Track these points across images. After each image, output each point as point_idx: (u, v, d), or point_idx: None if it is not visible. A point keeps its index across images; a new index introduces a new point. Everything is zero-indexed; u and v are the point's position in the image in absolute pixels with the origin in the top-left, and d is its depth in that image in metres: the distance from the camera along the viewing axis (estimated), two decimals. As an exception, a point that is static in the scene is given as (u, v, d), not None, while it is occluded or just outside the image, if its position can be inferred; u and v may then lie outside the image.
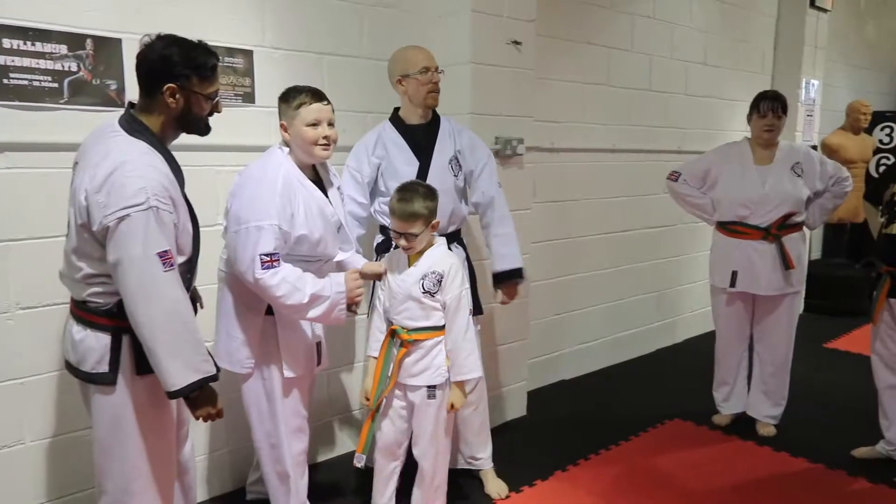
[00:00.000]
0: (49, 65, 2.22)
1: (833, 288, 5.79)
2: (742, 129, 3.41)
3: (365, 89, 3.03)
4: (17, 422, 2.28)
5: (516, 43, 3.27)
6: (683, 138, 4.77)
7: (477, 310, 2.74)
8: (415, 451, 2.43)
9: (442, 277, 2.29)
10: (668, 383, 4.17)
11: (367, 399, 2.37)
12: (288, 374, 2.25)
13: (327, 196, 2.28)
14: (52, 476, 2.38)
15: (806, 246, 3.43)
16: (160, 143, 1.82)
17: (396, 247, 2.41)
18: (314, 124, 2.18)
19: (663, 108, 4.61)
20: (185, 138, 2.43)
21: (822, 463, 3.09)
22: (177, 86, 1.78)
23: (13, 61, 2.15)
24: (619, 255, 4.48)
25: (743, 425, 3.48)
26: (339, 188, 2.41)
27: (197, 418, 1.86)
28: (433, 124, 2.71)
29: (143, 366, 1.81)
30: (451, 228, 2.70)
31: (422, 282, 2.29)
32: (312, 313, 2.13)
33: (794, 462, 3.12)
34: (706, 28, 4.85)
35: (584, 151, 4.13)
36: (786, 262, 3.22)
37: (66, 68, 2.25)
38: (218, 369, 1.88)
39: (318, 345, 2.34)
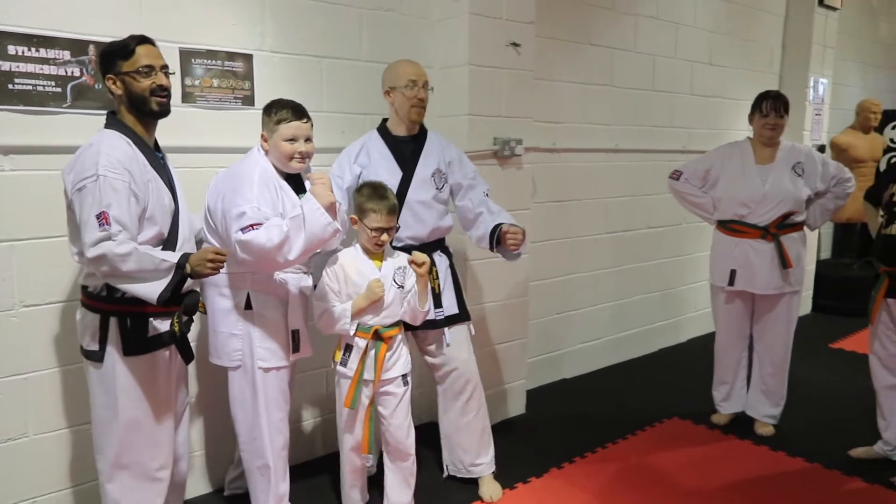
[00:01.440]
0: (53, 70, 2.29)
1: (842, 288, 5.75)
2: (749, 129, 3.42)
3: (363, 92, 3.08)
4: (21, 416, 2.36)
5: (515, 45, 3.30)
6: (689, 138, 4.76)
7: (465, 316, 2.77)
8: (390, 436, 2.52)
9: (405, 269, 2.45)
10: (670, 383, 4.18)
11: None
12: (261, 363, 2.33)
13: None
14: (55, 468, 2.46)
15: (806, 246, 3.43)
16: (133, 132, 2.02)
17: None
18: (292, 140, 2.29)
19: (668, 108, 4.61)
20: (184, 141, 2.53)
21: (819, 462, 3.10)
22: (112, 74, 1.99)
23: (18, 67, 2.22)
24: (621, 255, 4.49)
25: (741, 425, 3.49)
26: None
27: (210, 275, 1.99)
28: (419, 137, 2.74)
29: (128, 347, 2.00)
30: (434, 238, 2.71)
31: (393, 277, 2.42)
32: (300, 240, 2.12)
33: (791, 462, 3.13)
34: (712, 28, 4.84)
35: (587, 152, 4.15)
36: (784, 261, 3.22)
37: (70, 73, 2.32)
38: (180, 337, 2.07)
39: (295, 333, 2.39)
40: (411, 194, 2.64)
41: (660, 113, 4.56)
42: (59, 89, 2.30)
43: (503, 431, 3.42)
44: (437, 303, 2.68)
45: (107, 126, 2.02)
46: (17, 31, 2.21)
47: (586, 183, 4.18)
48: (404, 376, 2.51)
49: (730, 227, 3.37)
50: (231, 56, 2.67)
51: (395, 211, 2.41)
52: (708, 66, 4.85)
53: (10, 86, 2.22)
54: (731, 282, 3.35)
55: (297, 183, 2.36)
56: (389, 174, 2.63)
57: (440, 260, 2.73)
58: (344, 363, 2.44)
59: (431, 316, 2.64)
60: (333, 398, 2.58)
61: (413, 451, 2.57)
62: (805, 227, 3.38)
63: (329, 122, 2.99)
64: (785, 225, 3.26)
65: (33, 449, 2.40)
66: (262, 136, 2.33)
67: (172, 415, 2.17)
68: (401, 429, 2.53)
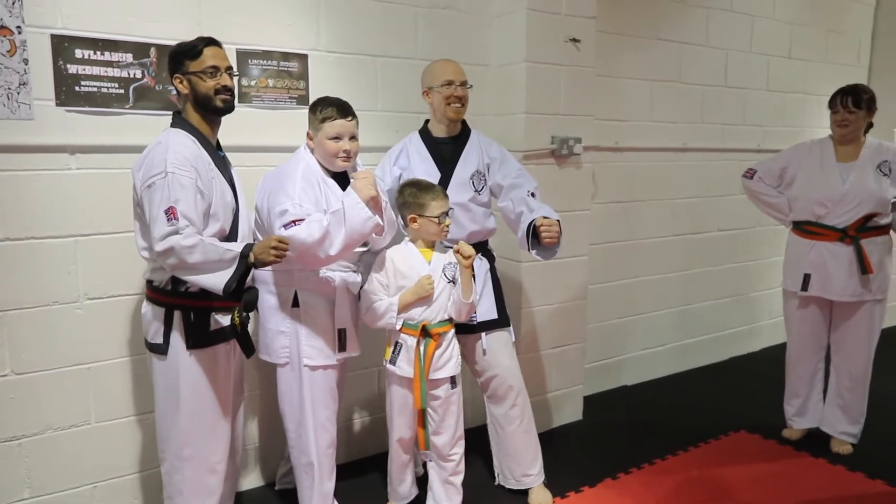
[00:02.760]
0: (116, 72, 2.38)
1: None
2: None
3: (419, 91, 3.04)
4: (84, 404, 2.47)
5: (575, 41, 3.21)
6: (764, 136, 4.52)
7: (504, 321, 2.70)
8: (437, 440, 2.49)
9: (455, 263, 2.43)
10: (739, 393, 3.97)
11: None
12: (307, 361, 2.34)
13: None
14: (115, 455, 2.56)
15: (893, 252, 3.18)
16: (198, 131, 2.09)
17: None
18: (336, 138, 2.29)
19: (741, 104, 4.38)
20: (240, 140, 2.59)
21: (902, 487, 2.86)
22: (179, 74, 2.07)
23: (84, 70, 2.33)
24: (689, 258, 4.30)
25: (816, 441, 3.27)
26: None
27: (273, 262, 2.00)
28: (460, 138, 2.69)
29: (191, 341, 2.06)
30: (473, 241, 2.63)
31: (443, 272, 2.41)
32: (341, 235, 2.13)
33: (870, 484, 2.90)
34: (792, 19, 4.57)
35: (652, 151, 4.00)
36: (863, 267, 2.99)
37: (132, 75, 2.41)
38: (241, 332, 2.12)
39: (342, 332, 2.40)
40: (449, 196, 2.56)
41: (732, 110, 4.34)
42: (122, 91, 2.40)
43: (558, 437, 3.33)
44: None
45: (173, 125, 2.10)
46: (84, 36, 2.31)
47: (651, 183, 4.03)
48: (453, 379, 2.47)
49: (805, 228, 3.16)
50: (286, 56, 2.71)
51: (447, 195, 2.45)
52: (786, 59, 4.58)
53: (77, 88, 2.32)
54: (805, 287, 3.15)
55: (343, 181, 2.36)
56: (428, 176, 2.59)
57: (479, 264, 2.66)
58: (393, 361, 2.43)
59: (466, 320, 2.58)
60: (384, 398, 2.58)
61: (458, 457, 2.53)
62: (891, 232, 3.14)
63: (384, 121, 3.00)
64: (866, 228, 3.03)
65: (95, 436, 2.50)
66: (308, 134, 2.35)
67: (230, 408, 2.22)
68: (447, 434, 2.50)
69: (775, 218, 3.37)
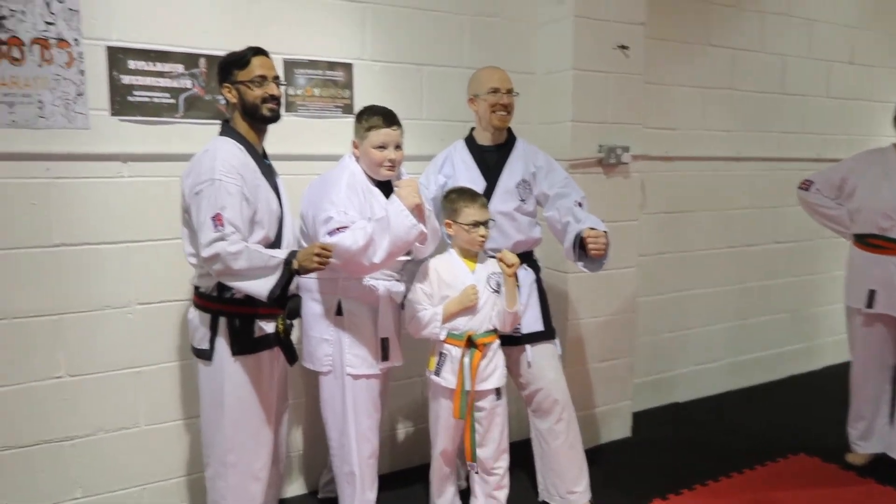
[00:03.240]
0: (167, 83, 2.44)
1: None
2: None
3: (465, 99, 3.03)
4: (134, 407, 2.52)
5: (623, 48, 3.14)
6: (824, 145, 4.33)
7: (550, 333, 2.63)
8: (481, 452, 2.45)
9: (498, 275, 2.41)
10: (798, 413, 3.78)
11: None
12: (350, 370, 2.33)
13: None
14: (163, 458, 2.60)
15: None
16: (245, 140, 2.12)
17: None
18: (381, 147, 2.29)
19: (799, 112, 4.22)
20: (286, 149, 2.61)
21: (979, 518, 2.67)
22: (228, 83, 2.10)
23: (136, 80, 2.39)
24: (743, 272, 4.14)
25: (882, 467, 3.08)
26: None
27: (317, 269, 2.01)
28: (506, 146, 2.65)
29: (236, 347, 2.08)
30: (518, 251, 2.56)
31: (488, 281, 2.39)
32: (385, 242, 2.12)
33: (943, 513, 2.72)
34: (855, 23, 4.38)
35: (704, 160, 3.88)
36: (934, 283, 2.82)
37: (182, 85, 2.46)
38: (284, 340, 2.13)
39: (385, 341, 2.38)
40: (494, 205, 2.55)
41: (789, 118, 4.18)
42: (172, 100, 2.45)
43: (605, 455, 3.24)
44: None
45: (221, 133, 2.13)
46: (136, 48, 2.38)
47: (703, 193, 3.90)
48: (498, 391, 2.42)
49: (869, 242, 3.01)
50: (332, 66, 2.73)
51: (486, 206, 2.42)
52: (848, 65, 4.40)
53: (130, 98, 2.39)
54: (870, 304, 2.99)
55: (387, 190, 2.35)
56: (472, 184, 2.56)
57: (525, 275, 2.61)
58: (437, 372, 2.40)
59: (511, 331, 2.54)
60: (427, 408, 2.55)
61: (502, 471, 2.48)
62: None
63: (429, 129, 2.99)
64: (936, 241, 2.86)
65: (144, 439, 2.55)
66: (354, 142, 2.36)
67: (273, 415, 2.23)
68: (491, 446, 2.45)
69: (835, 231, 3.22)
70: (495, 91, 2.54)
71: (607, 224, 2.46)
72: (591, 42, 3.06)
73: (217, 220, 1.93)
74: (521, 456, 2.87)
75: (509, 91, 2.57)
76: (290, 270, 1.99)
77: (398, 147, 2.33)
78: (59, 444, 2.40)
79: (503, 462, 2.51)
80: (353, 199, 2.25)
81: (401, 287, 2.44)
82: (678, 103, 3.71)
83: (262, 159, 2.17)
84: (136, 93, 2.39)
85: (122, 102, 2.38)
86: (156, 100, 2.43)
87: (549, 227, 2.61)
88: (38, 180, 2.29)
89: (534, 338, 2.59)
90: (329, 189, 2.26)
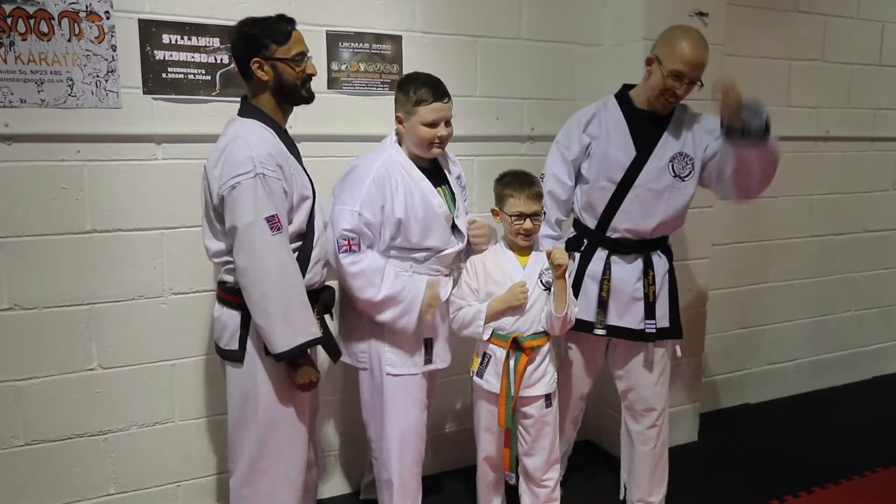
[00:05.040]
0: (203, 58, 2.27)
1: None
2: None
3: (522, 74, 2.80)
4: (169, 401, 2.41)
5: (701, 14, 2.82)
6: (925, 123, 3.90)
7: (675, 332, 2.38)
8: (529, 462, 2.27)
9: (549, 269, 2.16)
10: (887, 421, 3.43)
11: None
12: (390, 370, 2.15)
13: (447, 185, 2.21)
14: (200, 455, 2.49)
15: None
16: (272, 120, 1.90)
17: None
18: (432, 124, 2.07)
19: (897, 86, 3.80)
20: (328, 129, 2.43)
21: None
22: (261, 58, 1.85)
23: (171, 56, 2.23)
24: (826, 263, 3.77)
25: None
26: (459, 178, 2.30)
27: (298, 387, 1.89)
28: (666, 115, 2.29)
29: None
30: (657, 234, 2.33)
31: (540, 278, 2.16)
32: (382, 316, 2.08)
33: None
34: (968, -17, 3.90)
35: (788, 140, 3.48)
36: None
37: (219, 61, 2.30)
38: (324, 335, 1.94)
39: (429, 341, 2.19)
40: (642, 178, 2.24)
41: (888, 93, 3.76)
42: (208, 77, 2.29)
43: (670, 460, 2.97)
44: (650, 313, 2.31)
45: (244, 114, 1.91)
46: (171, 20, 2.22)
47: (786, 177, 3.48)
48: (548, 397, 2.22)
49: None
50: (379, 38, 2.52)
51: (539, 197, 2.17)
52: (958, 32, 3.92)
53: (164, 75, 2.23)
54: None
55: (435, 167, 2.18)
56: (621, 151, 2.25)
57: (660, 262, 2.35)
58: (480, 374, 2.21)
59: (639, 326, 2.31)
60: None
61: (552, 482, 2.28)
62: None
63: (483, 107, 2.76)
64: None
65: (179, 434, 2.44)
66: (398, 117, 2.13)
67: (308, 418, 2.06)
68: (540, 456, 2.26)
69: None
70: (678, 76, 2.14)
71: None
72: (665, 9, 2.75)
73: (275, 222, 1.77)
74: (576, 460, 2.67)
75: (692, 83, 2.18)
76: (285, 355, 1.82)
77: (448, 123, 2.11)
78: (92, 439, 2.31)
79: (554, 473, 2.31)
80: (377, 196, 2.06)
81: (448, 283, 2.24)
82: (761, 77, 3.34)
83: (291, 140, 1.97)
84: (170, 69, 2.24)
85: (155, 80, 2.22)
86: (191, 76, 2.27)
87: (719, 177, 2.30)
88: (69, 163, 2.17)
89: (661, 335, 2.35)
90: (353, 181, 2.09)
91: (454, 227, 2.21)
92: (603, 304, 2.32)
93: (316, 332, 1.86)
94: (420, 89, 2.05)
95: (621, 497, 2.61)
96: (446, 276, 2.23)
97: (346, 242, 2.01)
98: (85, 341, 2.26)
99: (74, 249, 2.21)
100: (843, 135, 3.66)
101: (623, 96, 2.34)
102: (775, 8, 3.33)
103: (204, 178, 1.86)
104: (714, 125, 2.25)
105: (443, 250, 2.17)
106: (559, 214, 2.42)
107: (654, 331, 2.31)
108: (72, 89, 2.13)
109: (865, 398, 3.77)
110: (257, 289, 1.77)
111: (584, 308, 2.33)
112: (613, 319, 2.34)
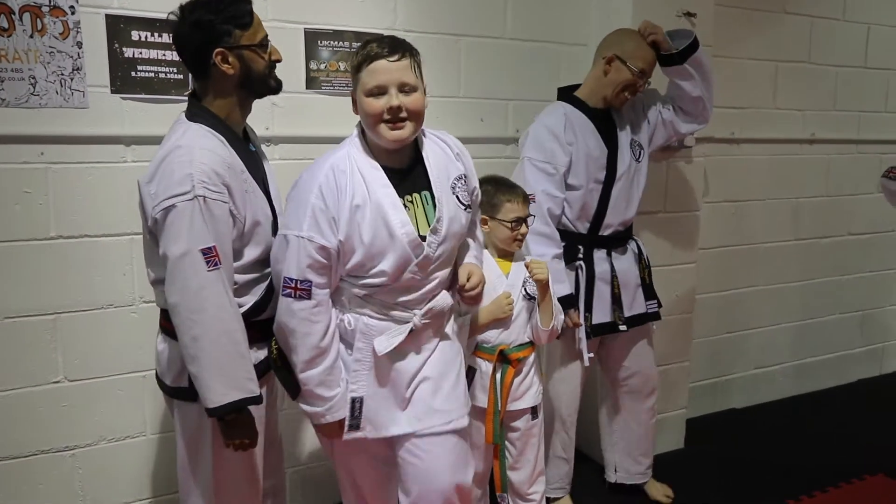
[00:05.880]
0: (174, 56, 2.11)
1: None
2: None
3: (508, 74, 2.73)
4: (139, 414, 2.31)
5: (689, 15, 2.77)
6: (911, 126, 3.89)
7: (654, 314, 2.52)
8: (515, 476, 2.22)
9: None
10: (872, 425, 3.42)
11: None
12: None
13: (428, 191, 1.69)
14: (171, 470, 2.33)
15: None
16: (225, 126, 1.64)
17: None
18: (377, 92, 1.56)
19: (884, 89, 3.79)
20: (306, 130, 2.35)
21: None
22: (225, 48, 1.57)
23: (141, 53, 2.13)
24: (812, 266, 3.75)
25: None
26: (460, 179, 1.74)
27: (227, 446, 1.62)
28: (607, 109, 2.42)
29: None
30: (629, 224, 2.50)
31: (524, 286, 2.11)
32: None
33: None
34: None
35: (774, 143, 3.49)
36: None
37: (191, 59, 2.19)
38: (283, 370, 1.69)
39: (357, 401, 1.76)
40: (620, 171, 2.37)
41: (873, 95, 3.75)
42: (180, 76, 2.19)
43: (657, 468, 2.93)
44: (650, 294, 2.50)
45: (192, 117, 1.63)
46: (141, 16, 2.12)
47: (772, 180, 3.52)
48: (534, 409, 2.17)
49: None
50: (360, 36, 2.43)
51: (528, 200, 2.16)
52: (942, 35, 3.92)
53: (134, 73, 2.13)
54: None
55: (415, 165, 1.70)
56: (598, 151, 2.34)
57: (638, 243, 2.54)
58: None
59: (641, 310, 2.46)
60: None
61: (538, 495, 2.24)
62: None
63: (467, 108, 2.69)
64: None
65: (151, 449, 2.35)
66: (353, 99, 1.67)
67: (264, 456, 1.82)
68: (526, 469, 2.20)
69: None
70: (643, 75, 2.30)
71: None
72: (653, 9, 2.68)
73: (213, 255, 1.49)
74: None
75: (648, 79, 2.36)
76: (215, 412, 1.55)
77: (406, 90, 1.57)
78: (59, 455, 2.21)
79: (539, 486, 2.25)
80: (322, 217, 1.58)
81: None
82: (747, 79, 3.31)
83: (247, 148, 1.71)
84: (140, 67, 2.13)
85: (124, 78, 2.12)
86: (162, 75, 2.17)
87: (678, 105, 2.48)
88: (32, 166, 2.06)
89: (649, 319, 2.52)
90: (297, 197, 1.64)
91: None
92: (617, 301, 2.40)
93: (254, 390, 1.58)
94: (362, 49, 1.59)
95: (612, 480, 2.70)
96: (426, 322, 1.70)
97: (292, 287, 1.59)
98: (50, 352, 2.15)
99: (38, 256, 2.10)
100: (829, 137, 3.64)
101: (572, 99, 2.41)
102: (762, 8, 3.29)
103: (139, 193, 1.61)
104: (641, 98, 2.45)
105: (408, 284, 1.66)
106: (555, 230, 2.36)
107: (656, 309, 2.50)
108: (34, 88, 2.02)
109: (852, 402, 3.76)
110: (188, 331, 1.51)
111: (600, 311, 2.39)
112: (626, 311, 2.43)
